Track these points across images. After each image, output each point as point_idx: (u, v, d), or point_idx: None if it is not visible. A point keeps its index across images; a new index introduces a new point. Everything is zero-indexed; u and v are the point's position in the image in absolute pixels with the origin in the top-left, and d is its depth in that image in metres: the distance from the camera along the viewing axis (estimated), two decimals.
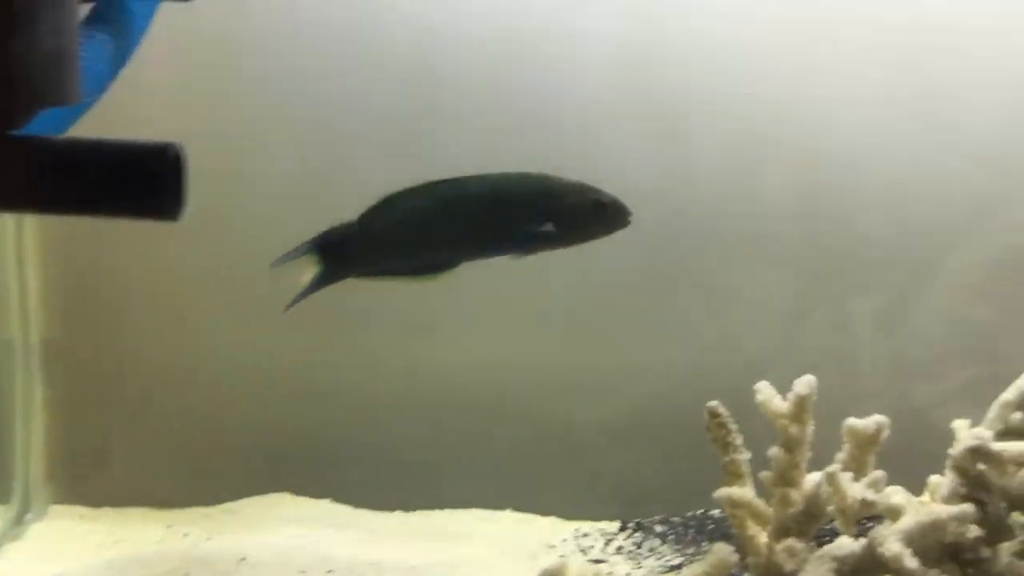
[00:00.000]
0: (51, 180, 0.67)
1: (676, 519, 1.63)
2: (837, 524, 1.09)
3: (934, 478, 1.20)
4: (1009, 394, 1.17)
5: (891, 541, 1.00)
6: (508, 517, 1.65)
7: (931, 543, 1.04)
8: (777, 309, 1.70)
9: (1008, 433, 1.13)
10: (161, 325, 1.63)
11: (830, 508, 1.08)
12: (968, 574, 1.04)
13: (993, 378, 1.32)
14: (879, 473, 1.06)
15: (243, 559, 1.28)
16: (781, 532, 1.12)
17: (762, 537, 1.16)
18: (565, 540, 1.56)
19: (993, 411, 1.17)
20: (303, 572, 1.27)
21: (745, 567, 1.15)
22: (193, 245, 1.56)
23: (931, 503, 1.11)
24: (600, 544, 1.56)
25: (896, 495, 1.04)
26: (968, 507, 1.02)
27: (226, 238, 1.57)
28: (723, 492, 1.15)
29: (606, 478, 1.74)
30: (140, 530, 1.56)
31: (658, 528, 1.60)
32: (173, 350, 1.64)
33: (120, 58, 1.00)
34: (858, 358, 1.75)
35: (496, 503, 1.70)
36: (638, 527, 1.60)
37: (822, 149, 1.62)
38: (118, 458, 1.64)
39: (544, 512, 1.69)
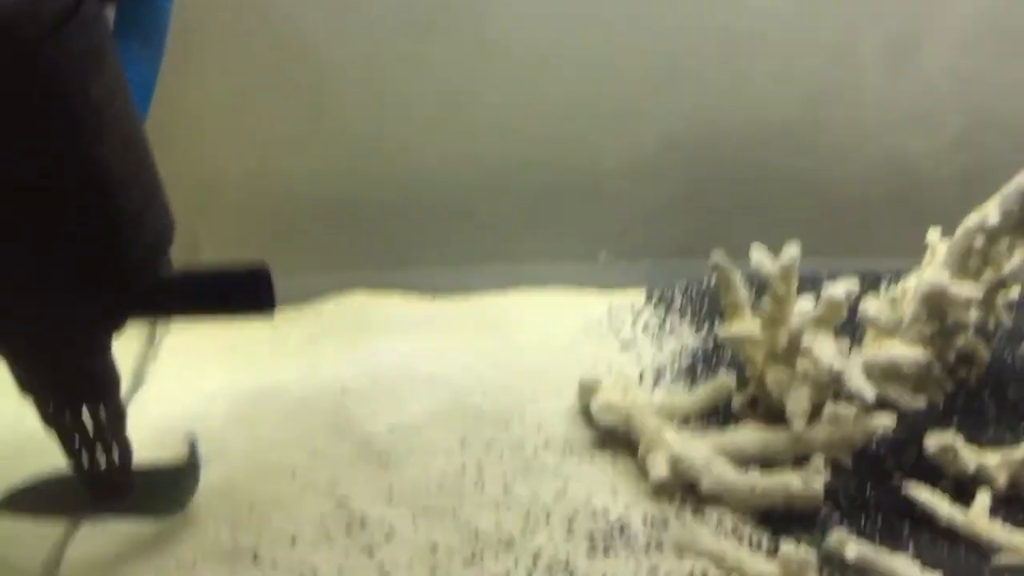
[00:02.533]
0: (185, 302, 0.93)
1: (694, 289, 1.91)
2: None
3: (933, 236, 1.47)
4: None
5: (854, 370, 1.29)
6: (550, 298, 1.94)
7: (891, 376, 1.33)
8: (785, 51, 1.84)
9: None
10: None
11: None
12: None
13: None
14: (843, 342, 1.33)
15: (343, 388, 1.61)
16: (772, 359, 1.42)
17: (759, 356, 1.45)
18: (600, 321, 1.86)
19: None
20: (392, 392, 1.60)
21: None
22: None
23: (892, 340, 1.38)
24: (629, 320, 1.86)
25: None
26: (921, 354, 1.30)
27: None
28: (727, 332, 1.44)
29: (630, 219, 2.01)
30: (249, 333, 1.88)
31: (679, 301, 1.89)
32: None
33: (156, 57, 1.14)
34: (860, 98, 1.94)
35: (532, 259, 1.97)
36: (661, 299, 1.89)
37: None
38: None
39: (581, 284, 1.97)
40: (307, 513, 1.40)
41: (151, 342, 1.85)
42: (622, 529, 1.36)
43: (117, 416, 1.01)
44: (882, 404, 1.33)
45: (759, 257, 1.36)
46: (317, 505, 1.42)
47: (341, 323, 1.87)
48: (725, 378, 1.43)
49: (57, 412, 1.00)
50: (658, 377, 1.67)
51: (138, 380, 1.75)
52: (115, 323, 0.95)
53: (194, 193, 1.75)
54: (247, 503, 1.43)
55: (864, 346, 1.43)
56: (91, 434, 1.01)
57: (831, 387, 1.32)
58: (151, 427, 1.58)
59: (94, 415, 1.01)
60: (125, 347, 1.80)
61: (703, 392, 1.44)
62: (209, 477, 1.46)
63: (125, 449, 1.04)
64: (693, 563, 1.29)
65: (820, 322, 1.31)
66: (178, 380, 1.75)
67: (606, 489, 1.44)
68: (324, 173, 1.96)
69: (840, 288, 1.29)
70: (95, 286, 0.89)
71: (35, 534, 1.33)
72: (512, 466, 1.48)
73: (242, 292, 0.93)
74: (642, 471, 1.44)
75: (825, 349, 1.27)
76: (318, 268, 1.99)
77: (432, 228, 2.01)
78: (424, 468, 1.48)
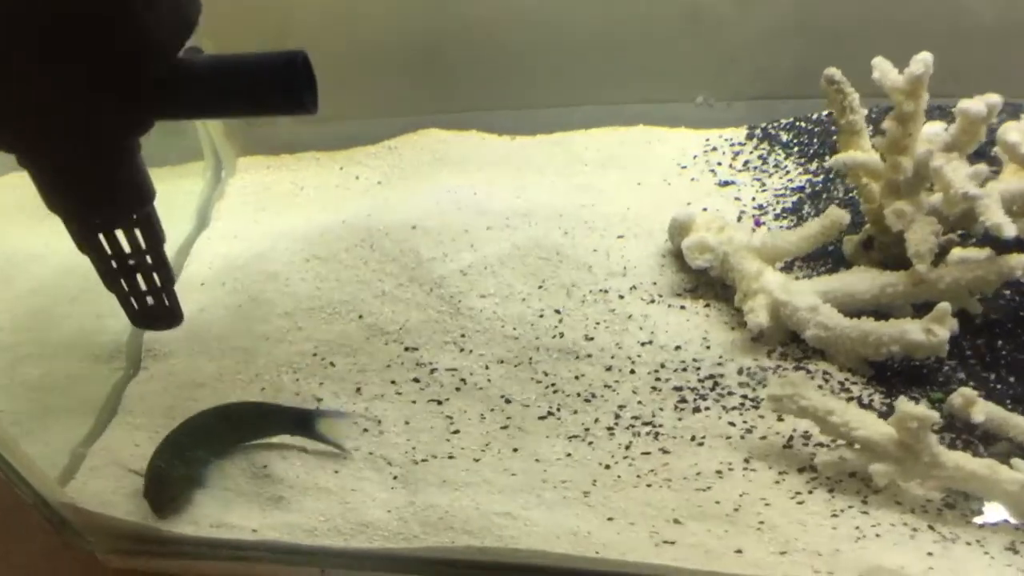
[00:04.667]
0: (212, 94, 0.81)
1: (801, 123, 1.71)
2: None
3: None
4: None
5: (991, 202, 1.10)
6: (641, 135, 1.76)
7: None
8: None
9: None
10: None
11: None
12: None
13: None
14: (981, 167, 1.13)
15: (414, 227, 1.48)
16: (892, 192, 1.23)
17: (875, 187, 1.27)
18: (695, 157, 1.68)
19: None
20: (466, 231, 1.47)
21: None
22: None
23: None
24: (728, 158, 1.67)
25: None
26: None
27: None
28: (840, 159, 1.25)
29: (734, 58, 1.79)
30: (317, 174, 1.77)
31: (783, 137, 1.70)
32: None
33: None
34: None
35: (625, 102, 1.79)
36: (764, 135, 1.70)
37: None
38: None
39: (673, 124, 1.79)
40: (373, 360, 1.31)
41: (217, 181, 1.76)
42: (714, 384, 1.23)
43: (153, 235, 0.90)
44: (1021, 244, 1.14)
45: (882, 67, 1.16)
46: (384, 352, 1.33)
47: (414, 161, 1.74)
48: (837, 213, 1.25)
49: (90, 234, 0.90)
50: (759, 217, 1.49)
51: (203, 220, 1.67)
52: (138, 120, 0.83)
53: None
54: (311, 348, 1.34)
55: (1002, 179, 1.23)
56: (128, 256, 0.91)
57: (962, 222, 1.13)
58: (216, 267, 1.50)
59: (129, 235, 0.90)
60: (191, 187, 1.74)
61: (810, 230, 1.27)
62: (272, 319, 1.37)
63: (165, 271, 0.94)
64: (794, 424, 1.15)
65: (952, 146, 1.12)
66: (243, 220, 1.66)
67: (697, 339, 1.31)
68: (404, 11, 1.78)
69: (978, 103, 1.09)
70: (111, 73, 0.76)
71: None
72: (595, 313, 1.36)
73: (278, 83, 0.79)
74: (739, 319, 1.29)
75: (958, 173, 1.08)
76: (394, 111, 1.84)
77: (517, 70, 1.83)
78: (499, 315, 1.36)
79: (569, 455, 1.16)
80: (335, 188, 1.71)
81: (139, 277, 0.93)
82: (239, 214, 1.68)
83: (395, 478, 1.15)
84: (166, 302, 0.94)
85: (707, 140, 1.72)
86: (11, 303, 1.44)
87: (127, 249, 0.91)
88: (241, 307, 1.40)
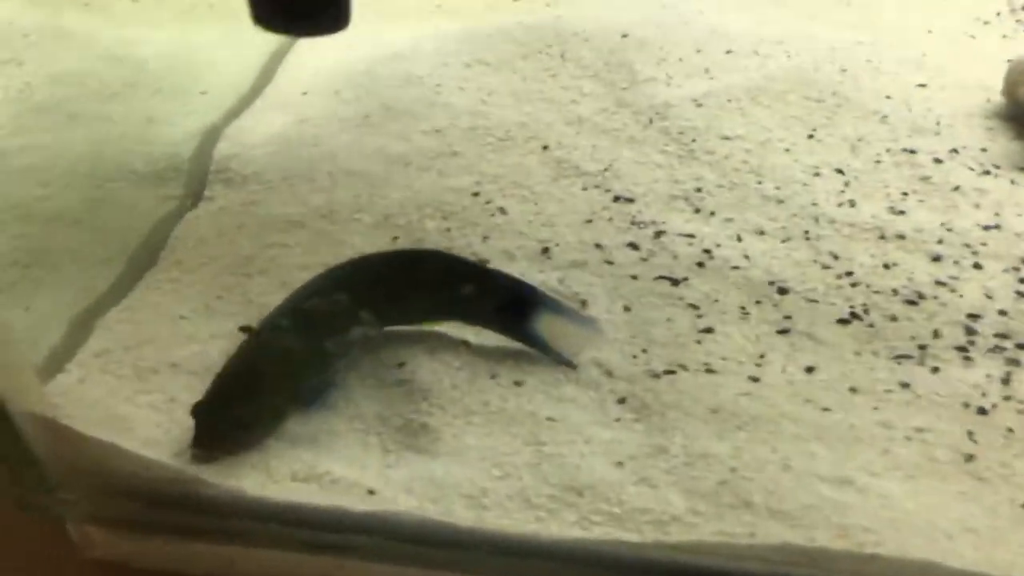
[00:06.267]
0: None
1: None
2: None
3: None
4: None
5: None
6: None
7: None
8: None
9: None
10: None
11: None
12: None
13: None
14: None
15: (625, 35, 1.01)
16: None
17: None
18: (999, 15, 1.20)
19: None
20: (699, 51, 1.00)
21: None
22: None
23: None
24: None
25: None
26: None
27: None
28: None
29: None
30: None
31: None
32: None
33: None
34: None
35: None
36: None
37: None
38: None
39: None
40: (566, 210, 0.85)
41: None
42: None
43: None
44: None
45: None
46: (582, 200, 0.87)
47: None
48: None
49: None
50: None
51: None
52: None
53: None
54: (470, 183, 0.88)
55: None
56: None
57: None
58: (324, 73, 1.04)
59: None
60: None
61: None
62: (413, 136, 0.92)
63: None
64: None
65: None
66: (364, 28, 1.19)
67: None
68: None
69: None
70: None
71: None
72: (899, 179, 0.88)
73: None
74: None
75: None
76: None
77: None
78: (752, 166, 0.89)
79: (906, 386, 0.69)
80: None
81: None
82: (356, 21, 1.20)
83: (622, 402, 0.69)
84: None
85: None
86: (18, 90, 0.99)
87: None
88: (369, 118, 0.94)
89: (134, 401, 0.70)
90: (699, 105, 0.95)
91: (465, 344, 0.73)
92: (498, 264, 0.80)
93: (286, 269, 0.79)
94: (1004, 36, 1.15)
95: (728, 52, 1.01)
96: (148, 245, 0.84)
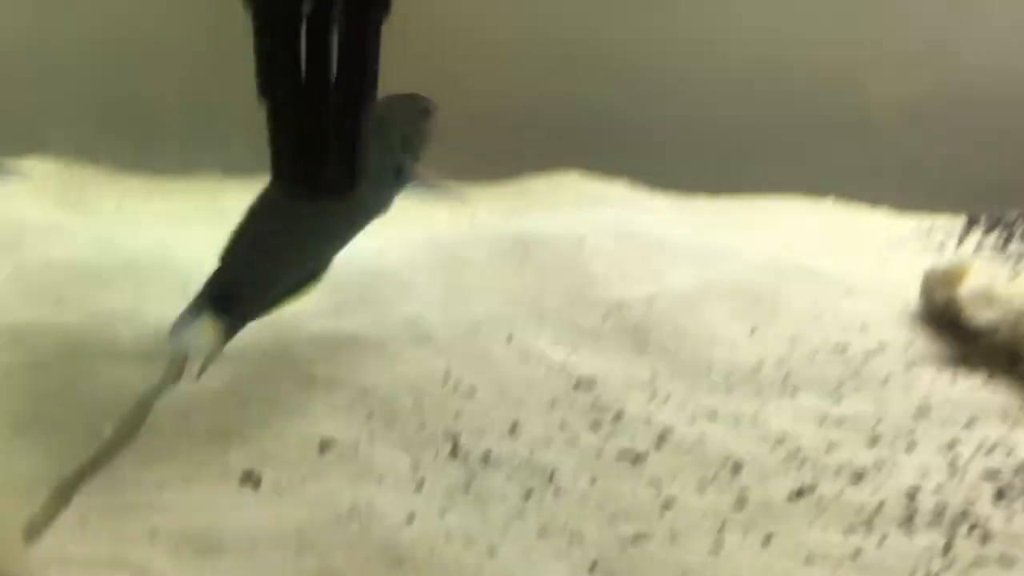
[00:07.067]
0: None
1: None
2: None
3: None
4: None
5: None
6: (832, 208, 1.43)
7: None
8: None
9: None
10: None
11: None
12: None
13: None
14: None
15: (581, 239, 1.11)
16: None
17: None
18: (905, 241, 1.34)
19: None
20: (644, 259, 1.10)
21: None
22: None
23: None
24: (952, 242, 1.33)
25: None
26: None
27: None
28: None
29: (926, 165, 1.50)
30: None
31: (1021, 226, 1.35)
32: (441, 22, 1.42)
33: None
34: None
35: (811, 189, 1.48)
36: (996, 223, 1.35)
37: None
38: None
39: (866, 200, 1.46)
40: (531, 393, 0.91)
41: None
42: None
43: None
44: None
45: None
46: (546, 385, 0.92)
47: (552, 200, 1.37)
48: None
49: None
50: None
51: None
52: None
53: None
54: (440, 368, 0.94)
55: None
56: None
57: None
58: None
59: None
60: None
61: None
62: (387, 322, 0.98)
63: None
64: None
65: None
66: None
67: (994, 416, 0.91)
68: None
69: None
70: None
71: None
72: (834, 373, 0.96)
73: None
74: None
75: None
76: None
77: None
78: (703, 357, 0.97)
79: (858, 554, 0.74)
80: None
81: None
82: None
83: (592, 569, 0.72)
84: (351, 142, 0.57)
85: (915, 226, 1.39)
86: (17, 275, 1.05)
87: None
88: (346, 302, 1.00)
89: (112, 568, 0.72)
90: (651, 304, 1.03)
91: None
92: (465, 437, 0.85)
93: (267, 439, 0.83)
94: (913, 258, 1.27)
95: (673, 260, 1.12)
96: (131, 417, 0.87)
